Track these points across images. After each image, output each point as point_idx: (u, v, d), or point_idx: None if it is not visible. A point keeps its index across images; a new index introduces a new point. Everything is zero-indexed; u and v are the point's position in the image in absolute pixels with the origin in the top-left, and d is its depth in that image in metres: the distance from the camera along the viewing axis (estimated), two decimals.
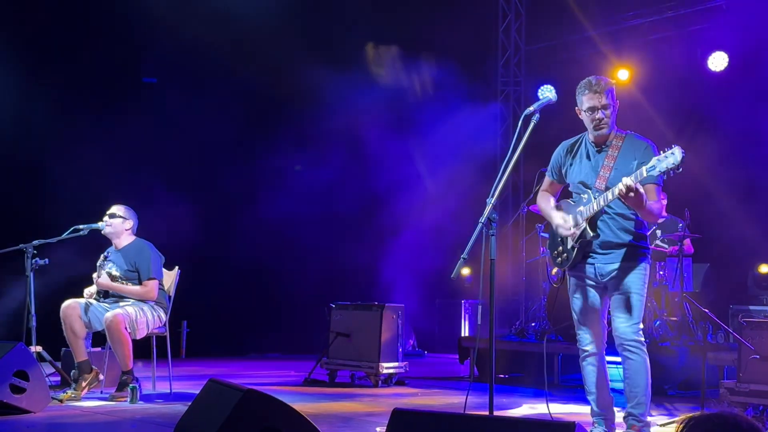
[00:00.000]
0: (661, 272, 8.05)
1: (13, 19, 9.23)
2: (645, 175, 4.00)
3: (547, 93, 4.32)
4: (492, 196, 3.96)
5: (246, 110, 10.75)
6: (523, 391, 7.35)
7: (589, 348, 4.53)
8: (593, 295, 4.50)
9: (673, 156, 3.90)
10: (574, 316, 4.58)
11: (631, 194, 4.00)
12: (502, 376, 8.33)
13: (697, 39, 10.60)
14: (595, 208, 4.29)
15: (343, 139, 11.03)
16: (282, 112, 11.10)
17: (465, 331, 11.22)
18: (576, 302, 4.56)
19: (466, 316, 11.36)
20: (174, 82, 10.34)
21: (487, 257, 3.93)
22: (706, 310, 6.29)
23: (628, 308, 4.34)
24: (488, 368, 3.98)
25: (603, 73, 10.69)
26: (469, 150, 11.33)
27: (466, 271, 11.07)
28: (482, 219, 3.90)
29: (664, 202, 8.21)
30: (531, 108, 4.12)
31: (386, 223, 11.26)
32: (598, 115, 4.34)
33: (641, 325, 4.38)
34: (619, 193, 4.04)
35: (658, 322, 7.59)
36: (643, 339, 4.38)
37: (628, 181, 3.99)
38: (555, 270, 4.78)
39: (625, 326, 4.35)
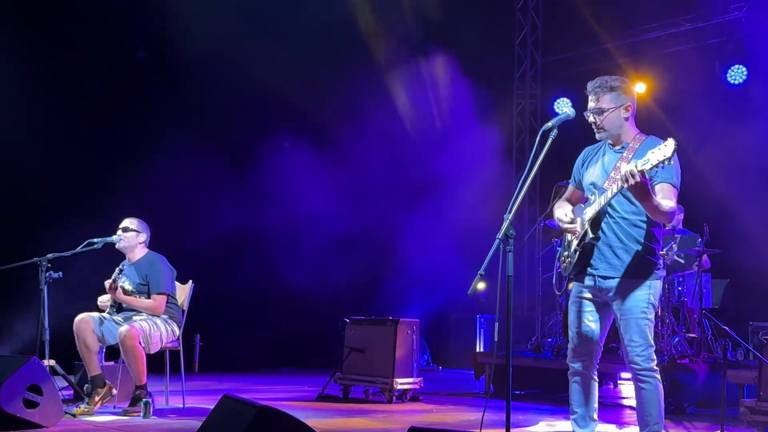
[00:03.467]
0: (679, 288, 8.02)
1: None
2: (639, 168, 3.82)
3: (565, 108, 4.28)
4: (509, 212, 3.94)
5: (261, 114, 10.79)
6: (539, 408, 7.32)
7: (577, 366, 4.35)
8: (591, 310, 4.31)
9: (666, 148, 3.77)
10: (569, 328, 4.40)
11: (633, 181, 3.81)
12: (517, 392, 8.30)
13: (716, 52, 10.58)
14: (597, 207, 4.17)
15: (358, 151, 11.05)
16: (298, 118, 11.11)
17: (480, 347, 11.19)
18: (571, 314, 4.37)
19: (481, 331, 11.33)
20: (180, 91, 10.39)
21: (504, 273, 3.92)
22: (726, 327, 6.26)
23: (635, 333, 4.14)
24: (504, 384, 3.96)
25: None
26: (485, 164, 11.34)
27: (481, 286, 11.06)
28: (499, 235, 3.89)
29: (680, 216, 8.19)
30: (549, 123, 4.08)
31: (401, 238, 11.26)
32: (591, 118, 4.27)
33: (653, 347, 4.19)
34: (621, 180, 3.88)
35: (676, 339, 7.55)
36: (655, 364, 4.18)
37: (630, 166, 3.84)
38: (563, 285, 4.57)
39: (635, 354, 4.15)
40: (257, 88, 10.18)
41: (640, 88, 10.84)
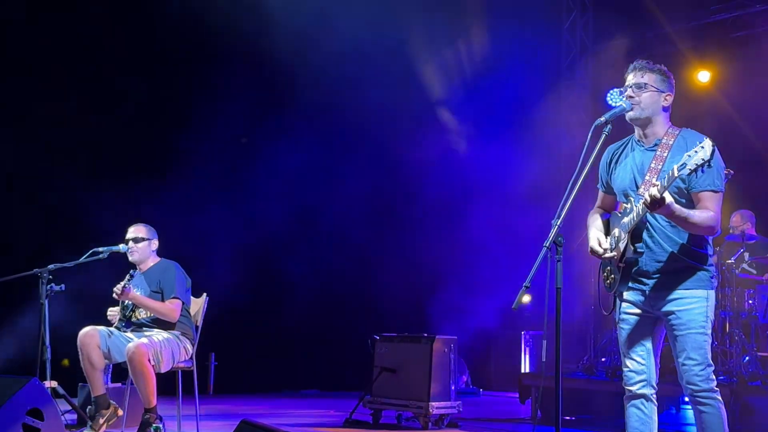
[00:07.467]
0: (750, 301, 7.94)
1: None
2: (676, 174, 3.82)
3: (620, 101, 4.27)
4: (558, 217, 3.95)
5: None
6: None
7: (634, 388, 4.33)
8: (643, 325, 4.32)
9: (703, 150, 3.74)
10: (620, 349, 4.43)
11: (657, 204, 3.86)
12: (568, 418, 8.27)
13: None
14: (635, 218, 4.15)
15: (390, 162, 11.09)
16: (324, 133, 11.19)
17: (526, 367, 11.15)
18: (622, 333, 4.39)
19: (527, 349, 11.30)
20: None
21: (552, 285, 3.92)
22: None
23: (693, 351, 4.14)
24: (553, 409, 3.96)
25: (681, 74, 10.62)
26: (531, 164, 11.30)
27: (526, 299, 11.03)
28: (547, 243, 3.89)
29: (749, 225, 8.10)
30: (602, 118, 4.09)
31: (435, 248, 11.25)
32: (628, 92, 4.25)
33: (712, 366, 4.19)
34: (644, 205, 3.93)
35: (747, 359, 7.49)
36: (715, 384, 4.18)
37: (653, 191, 3.85)
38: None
39: (692, 374, 4.15)
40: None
41: (703, 77, 10.75)
